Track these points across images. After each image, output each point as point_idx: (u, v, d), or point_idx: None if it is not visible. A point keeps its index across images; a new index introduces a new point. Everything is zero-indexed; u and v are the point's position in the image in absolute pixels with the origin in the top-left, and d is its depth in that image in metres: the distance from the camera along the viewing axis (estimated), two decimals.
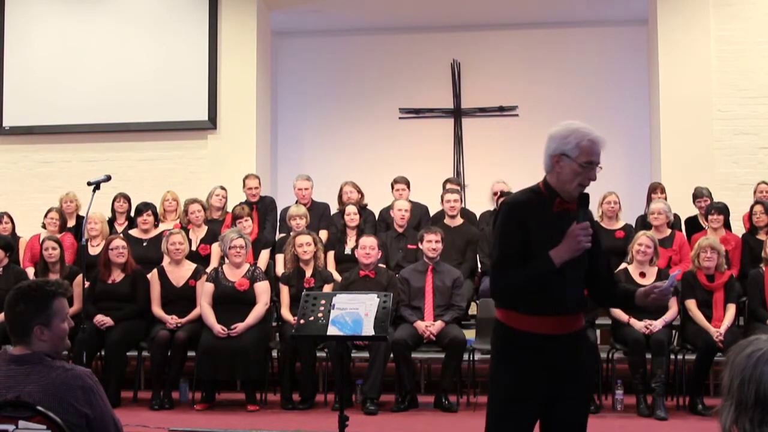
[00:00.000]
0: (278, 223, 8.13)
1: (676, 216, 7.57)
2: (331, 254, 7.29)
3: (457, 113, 10.67)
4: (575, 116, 11.41)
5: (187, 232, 7.27)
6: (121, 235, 7.18)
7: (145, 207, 7.53)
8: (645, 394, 6.01)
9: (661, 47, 9.24)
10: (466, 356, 6.28)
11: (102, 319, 6.42)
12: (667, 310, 6.22)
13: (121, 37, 9.76)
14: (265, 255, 7.41)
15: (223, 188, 8.01)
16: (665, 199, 7.60)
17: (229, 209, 7.90)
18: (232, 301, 6.39)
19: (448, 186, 7.99)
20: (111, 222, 7.92)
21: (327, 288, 6.48)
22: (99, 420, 2.55)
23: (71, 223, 7.91)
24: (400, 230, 7.46)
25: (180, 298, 6.60)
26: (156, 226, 7.56)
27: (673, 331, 6.49)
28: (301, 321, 4.48)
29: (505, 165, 9.79)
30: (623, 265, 6.65)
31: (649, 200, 7.82)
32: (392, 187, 8.07)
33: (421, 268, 6.57)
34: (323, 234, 7.55)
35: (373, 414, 6.02)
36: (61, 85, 9.75)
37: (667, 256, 6.93)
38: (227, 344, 6.16)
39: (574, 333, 2.96)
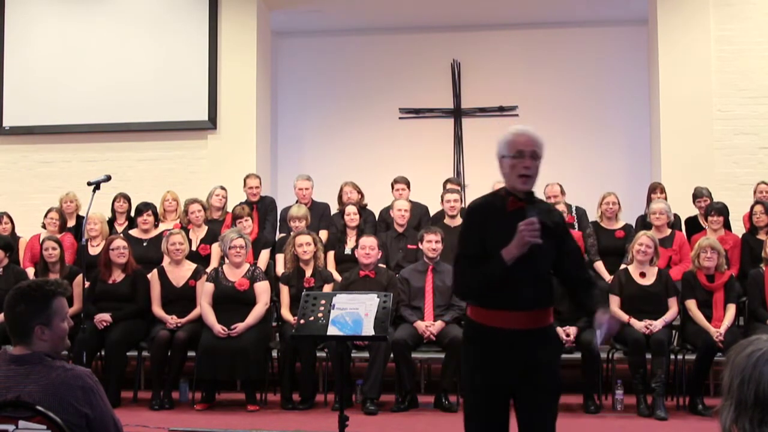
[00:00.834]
0: (278, 223, 8.14)
1: (676, 216, 7.57)
2: (331, 254, 7.29)
3: (457, 113, 10.67)
4: (575, 116, 11.48)
5: (187, 232, 7.27)
6: (122, 235, 7.18)
7: (145, 207, 7.53)
8: (645, 394, 6.01)
9: (661, 47, 9.24)
10: None
11: (101, 317, 6.42)
12: (666, 311, 6.23)
13: (121, 37, 9.76)
14: (265, 255, 7.41)
15: (223, 188, 8.01)
16: (665, 199, 7.61)
17: (229, 209, 7.90)
18: (232, 301, 6.39)
19: (449, 186, 7.99)
20: (111, 222, 7.92)
21: (327, 288, 6.48)
22: (99, 420, 2.55)
23: (71, 223, 7.91)
24: (400, 230, 7.46)
25: (180, 298, 6.60)
26: (156, 226, 7.56)
27: (673, 331, 6.49)
28: (301, 321, 4.48)
29: None
30: (623, 265, 6.66)
31: (649, 200, 7.82)
32: (392, 187, 8.07)
33: (421, 268, 6.57)
34: (323, 234, 7.55)
35: (373, 414, 6.02)
36: (61, 85, 9.75)
37: (667, 256, 6.93)
38: (227, 344, 6.16)
39: (532, 329, 3.06)
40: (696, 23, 9.13)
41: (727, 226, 7.26)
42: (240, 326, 6.24)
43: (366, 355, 6.25)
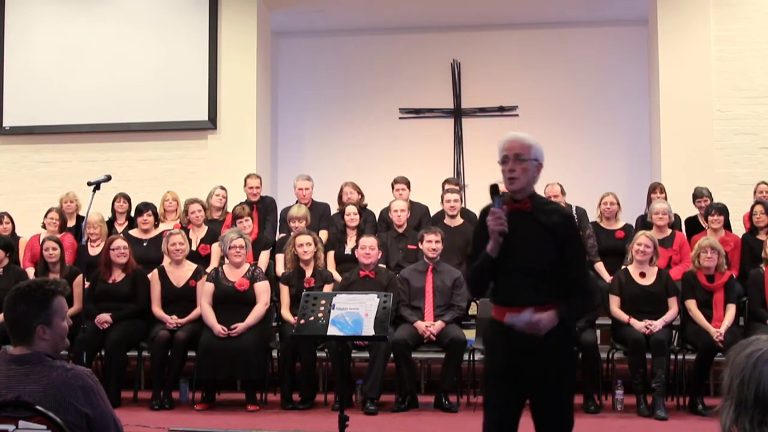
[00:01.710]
0: (278, 223, 8.14)
1: (676, 216, 7.57)
2: (331, 254, 7.29)
3: (457, 113, 10.67)
4: (575, 116, 11.47)
5: (187, 232, 7.27)
6: (122, 235, 7.18)
7: (145, 207, 7.53)
8: (645, 394, 6.01)
9: (661, 47, 9.24)
10: (466, 356, 6.28)
11: (102, 318, 6.42)
12: (666, 311, 6.23)
13: (121, 37, 9.76)
14: (265, 255, 7.42)
15: (223, 188, 8.01)
16: (665, 198, 7.61)
17: (229, 209, 7.90)
18: (232, 301, 6.39)
19: (447, 186, 7.98)
20: (111, 222, 7.92)
21: (327, 288, 6.48)
22: (99, 420, 2.55)
23: (71, 223, 7.91)
24: (400, 230, 7.47)
25: (180, 299, 6.60)
26: (156, 226, 7.57)
27: (673, 331, 6.49)
28: (301, 321, 4.48)
29: None
30: (623, 266, 6.66)
31: (649, 200, 7.83)
32: (392, 187, 8.07)
33: (421, 268, 6.57)
34: (323, 234, 7.55)
35: (373, 414, 6.02)
36: (61, 85, 9.75)
37: (667, 256, 6.93)
38: (227, 344, 6.16)
39: None
40: (696, 23, 9.13)
41: (727, 226, 7.26)
42: (240, 326, 6.24)
43: (366, 355, 6.25)
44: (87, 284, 6.35)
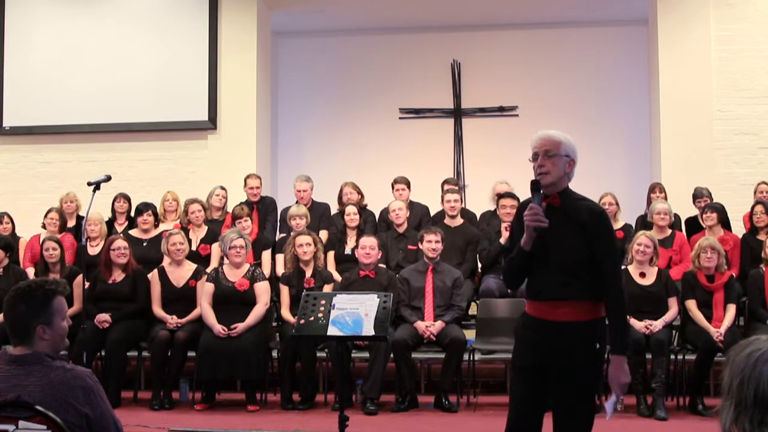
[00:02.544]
0: (278, 224, 8.14)
1: (676, 216, 7.57)
2: (331, 254, 7.29)
3: (457, 113, 10.67)
4: (575, 116, 11.45)
5: (187, 232, 7.27)
6: (122, 235, 7.18)
7: (145, 207, 7.53)
8: (645, 394, 6.01)
9: (661, 47, 9.24)
10: (466, 356, 6.28)
11: (102, 318, 6.42)
12: (666, 311, 6.22)
13: (121, 37, 9.76)
14: (267, 256, 7.41)
15: (223, 188, 8.01)
16: (665, 198, 7.61)
17: (229, 209, 7.90)
18: (232, 302, 6.39)
19: (446, 186, 7.98)
20: (111, 222, 7.92)
21: (327, 288, 6.48)
22: (99, 420, 2.55)
23: (71, 223, 7.91)
24: (400, 230, 7.46)
25: (180, 299, 6.60)
26: (156, 226, 7.57)
27: (673, 332, 6.49)
28: (302, 321, 4.48)
29: (505, 165, 9.76)
30: (623, 266, 6.65)
31: (649, 200, 7.82)
32: (392, 187, 8.06)
33: (422, 268, 6.57)
34: (323, 234, 7.55)
35: (373, 414, 6.02)
36: (61, 85, 9.76)
37: (667, 256, 6.93)
38: (227, 344, 6.16)
39: (559, 321, 3.15)
40: (696, 23, 9.13)
41: (726, 226, 7.26)
42: (240, 326, 6.24)
43: (366, 355, 6.25)
44: (87, 284, 6.34)
